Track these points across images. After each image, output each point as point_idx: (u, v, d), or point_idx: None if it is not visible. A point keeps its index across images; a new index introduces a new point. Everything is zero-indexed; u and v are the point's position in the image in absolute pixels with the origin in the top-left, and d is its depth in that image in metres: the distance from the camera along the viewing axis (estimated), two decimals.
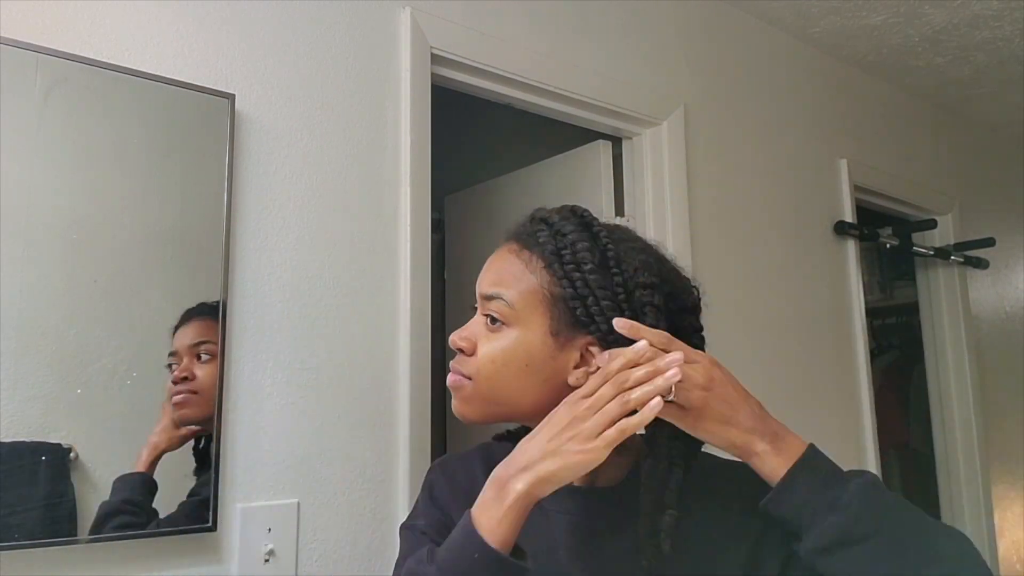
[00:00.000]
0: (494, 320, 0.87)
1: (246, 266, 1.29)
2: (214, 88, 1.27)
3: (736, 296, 2.10)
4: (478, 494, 0.95)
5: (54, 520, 1.07)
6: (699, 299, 0.92)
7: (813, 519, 0.75)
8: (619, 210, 1.97)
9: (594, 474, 0.84)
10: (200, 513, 1.18)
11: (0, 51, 1.09)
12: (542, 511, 0.88)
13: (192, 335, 1.22)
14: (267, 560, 1.24)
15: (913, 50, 2.53)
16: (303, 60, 1.41)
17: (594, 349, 0.84)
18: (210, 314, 1.24)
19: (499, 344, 0.86)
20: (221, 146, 1.27)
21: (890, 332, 3.56)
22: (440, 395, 2.32)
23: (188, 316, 1.21)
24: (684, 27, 2.12)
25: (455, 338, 0.89)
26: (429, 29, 1.56)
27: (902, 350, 3.47)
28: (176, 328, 1.20)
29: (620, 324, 0.80)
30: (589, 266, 0.84)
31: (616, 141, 2.01)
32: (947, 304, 2.89)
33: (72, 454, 1.09)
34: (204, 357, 1.22)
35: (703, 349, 0.89)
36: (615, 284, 0.84)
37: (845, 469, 0.80)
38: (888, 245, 2.79)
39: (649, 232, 1.92)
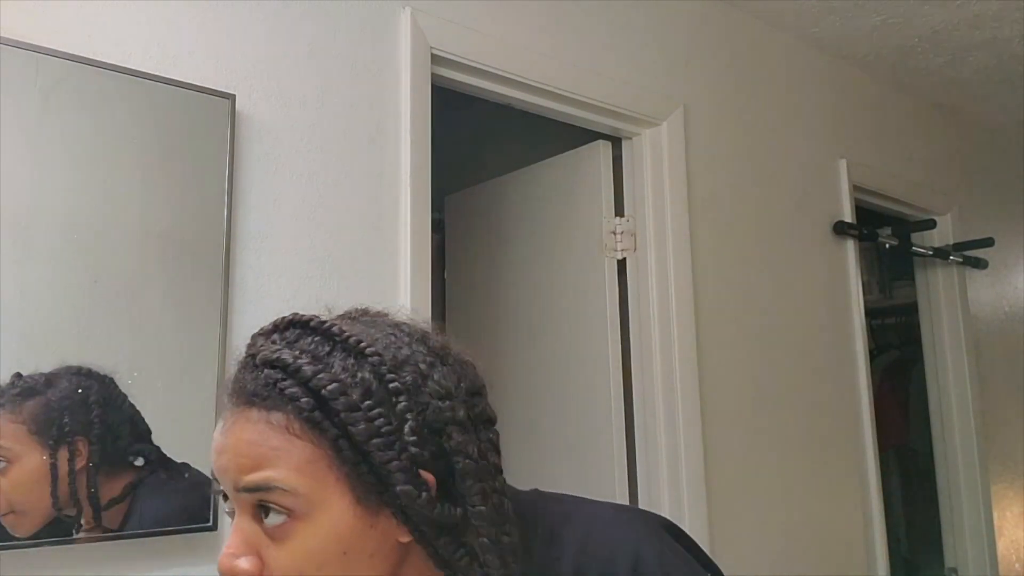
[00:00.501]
0: (270, 515, 0.62)
1: (246, 266, 1.29)
2: (214, 88, 1.27)
3: (735, 296, 2.10)
4: None
5: (54, 520, 1.07)
6: (482, 379, 0.71)
7: None
8: (619, 210, 1.97)
9: None
10: (200, 513, 1.19)
11: (0, 51, 1.09)
12: None
13: None
14: None
15: (913, 50, 2.53)
16: (303, 60, 1.41)
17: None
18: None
19: (297, 549, 0.61)
20: (221, 146, 1.27)
21: (889, 332, 3.56)
22: None
23: None
24: (684, 27, 2.12)
25: (230, 565, 0.62)
26: (429, 29, 1.56)
27: (901, 350, 3.47)
28: None
29: None
30: (367, 403, 0.62)
31: (616, 141, 2.01)
32: (946, 304, 2.89)
33: None
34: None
35: (495, 444, 0.69)
36: (407, 414, 0.63)
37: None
38: (887, 245, 2.78)
39: (649, 232, 1.92)
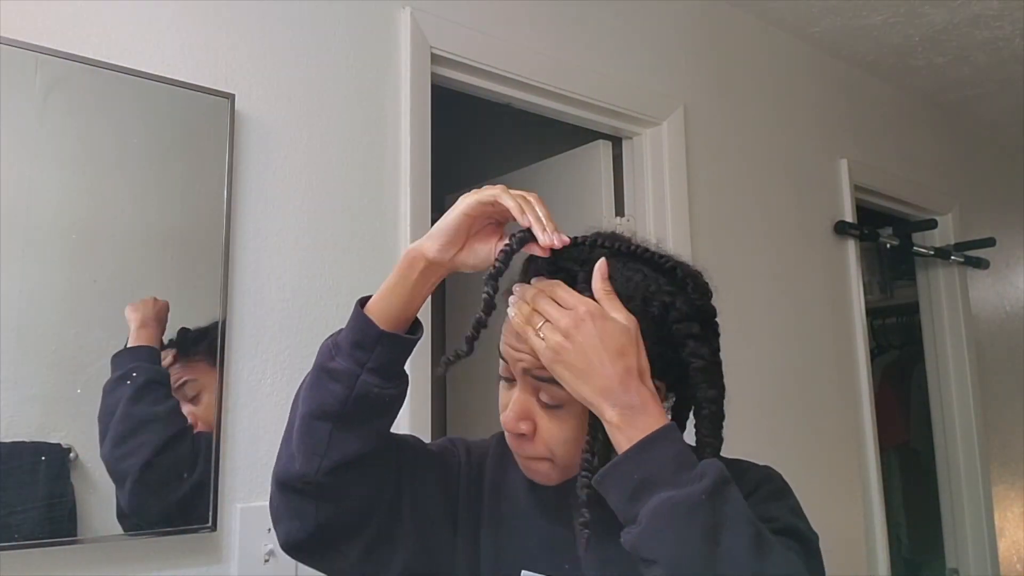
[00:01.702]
0: (542, 394, 0.82)
1: (246, 266, 1.29)
2: (214, 88, 1.27)
3: (736, 296, 2.10)
4: (484, 483, 0.92)
5: (54, 520, 1.07)
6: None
7: (624, 521, 0.73)
8: (619, 210, 1.97)
9: None
10: (200, 513, 1.18)
11: (0, 51, 1.09)
12: (567, 509, 0.86)
13: None
14: (267, 560, 1.24)
15: (913, 50, 2.53)
16: (303, 60, 1.41)
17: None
18: None
19: (562, 422, 0.82)
20: (221, 146, 1.27)
21: (890, 332, 3.56)
22: (439, 394, 2.32)
23: None
24: (684, 27, 2.12)
25: (514, 425, 0.82)
26: (429, 29, 1.56)
27: (902, 350, 3.47)
28: None
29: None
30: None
31: (616, 141, 2.01)
32: (947, 304, 2.89)
33: (72, 454, 1.09)
34: None
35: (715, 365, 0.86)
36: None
37: (754, 461, 0.85)
38: (888, 245, 2.78)
39: (649, 232, 1.92)
